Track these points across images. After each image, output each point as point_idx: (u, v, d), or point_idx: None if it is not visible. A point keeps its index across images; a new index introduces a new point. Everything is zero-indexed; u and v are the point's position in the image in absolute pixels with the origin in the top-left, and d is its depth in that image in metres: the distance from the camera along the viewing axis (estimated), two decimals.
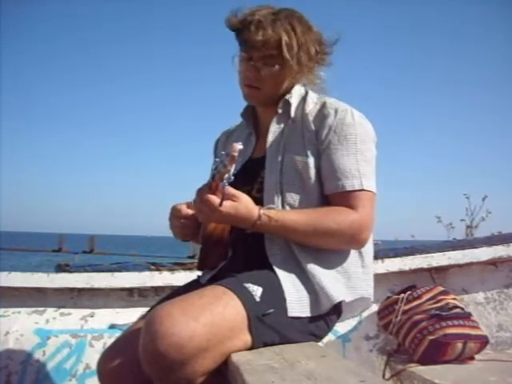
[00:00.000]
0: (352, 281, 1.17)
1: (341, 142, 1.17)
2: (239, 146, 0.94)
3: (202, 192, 1.04)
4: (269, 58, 1.18)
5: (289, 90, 1.26)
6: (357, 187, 1.14)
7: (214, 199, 1.02)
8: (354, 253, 1.20)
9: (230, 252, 1.21)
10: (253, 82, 1.22)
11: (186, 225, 1.22)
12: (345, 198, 1.14)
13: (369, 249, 1.23)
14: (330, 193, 1.17)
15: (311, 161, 1.18)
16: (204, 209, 1.04)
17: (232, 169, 0.96)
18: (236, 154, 0.93)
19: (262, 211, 1.08)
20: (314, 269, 1.13)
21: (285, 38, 1.16)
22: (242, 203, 1.06)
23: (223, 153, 0.96)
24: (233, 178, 0.98)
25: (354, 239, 1.14)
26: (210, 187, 1.02)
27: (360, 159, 1.16)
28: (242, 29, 1.19)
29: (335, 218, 1.12)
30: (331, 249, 1.16)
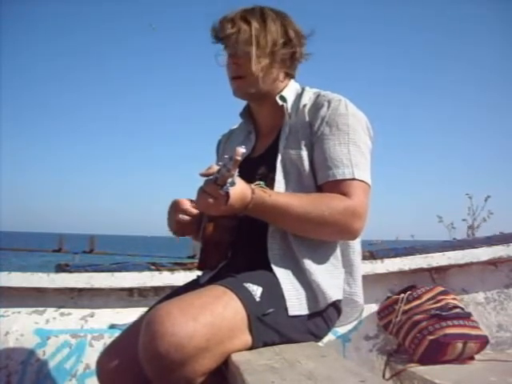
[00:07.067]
0: (340, 280, 1.17)
1: (333, 133, 1.15)
2: (242, 149, 0.93)
3: (207, 186, 1.02)
4: (244, 48, 1.18)
5: (281, 86, 1.26)
6: (348, 176, 1.12)
7: (215, 187, 0.99)
8: (339, 249, 1.18)
9: (230, 252, 1.21)
10: (235, 72, 1.22)
11: (187, 219, 1.19)
12: (336, 187, 1.12)
13: (354, 247, 1.21)
14: (322, 182, 1.15)
15: (305, 153, 1.17)
16: (209, 200, 1.01)
17: (236, 173, 0.96)
18: (240, 158, 0.92)
19: (252, 186, 1.07)
20: (310, 266, 1.12)
21: (254, 25, 1.17)
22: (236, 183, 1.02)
23: (226, 157, 0.94)
24: (236, 182, 0.98)
25: (347, 227, 1.10)
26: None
27: (353, 150, 1.14)
28: (219, 31, 1.20)
29: (328, 203, 1.09)
30: (323, 239, 1.15)
